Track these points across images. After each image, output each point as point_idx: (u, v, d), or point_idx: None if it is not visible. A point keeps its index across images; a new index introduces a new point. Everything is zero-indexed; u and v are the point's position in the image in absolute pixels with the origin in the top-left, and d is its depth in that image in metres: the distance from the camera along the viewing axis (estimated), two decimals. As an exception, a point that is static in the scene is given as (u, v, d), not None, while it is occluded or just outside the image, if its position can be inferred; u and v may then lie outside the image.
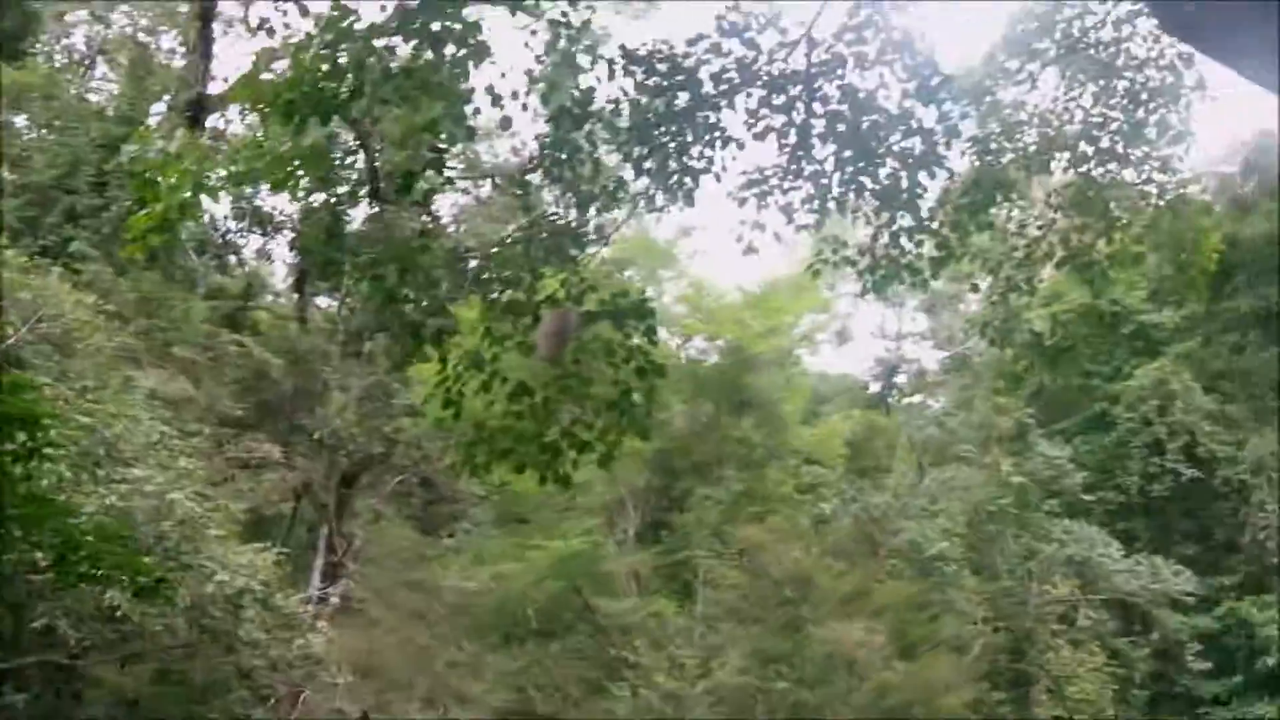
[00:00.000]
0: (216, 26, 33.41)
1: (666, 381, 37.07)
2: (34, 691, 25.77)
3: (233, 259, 44.85)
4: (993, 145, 19.03)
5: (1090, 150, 18.80)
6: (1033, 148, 19.71)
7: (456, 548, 39.15)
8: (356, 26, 11.84)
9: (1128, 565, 36.49)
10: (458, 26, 12.80)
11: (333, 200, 15.60)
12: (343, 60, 11.77)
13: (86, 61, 42.80)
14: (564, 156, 13.66)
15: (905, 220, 14.58)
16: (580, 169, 13.92)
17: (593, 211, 14.30)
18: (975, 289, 22.51)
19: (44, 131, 37.26)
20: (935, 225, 14.69)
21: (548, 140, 13.72)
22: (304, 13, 13.69)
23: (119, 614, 24.11)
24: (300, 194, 12.66)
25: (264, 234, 43.96)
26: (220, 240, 43.83)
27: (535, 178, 14.19)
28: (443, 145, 12.92)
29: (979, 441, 38.25)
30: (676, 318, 39.91)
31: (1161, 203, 19.50)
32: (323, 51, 11.79)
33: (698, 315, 39.61)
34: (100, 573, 11.22)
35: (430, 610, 34.66)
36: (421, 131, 13.35)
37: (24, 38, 39.08)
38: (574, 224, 13.69)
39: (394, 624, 33.54)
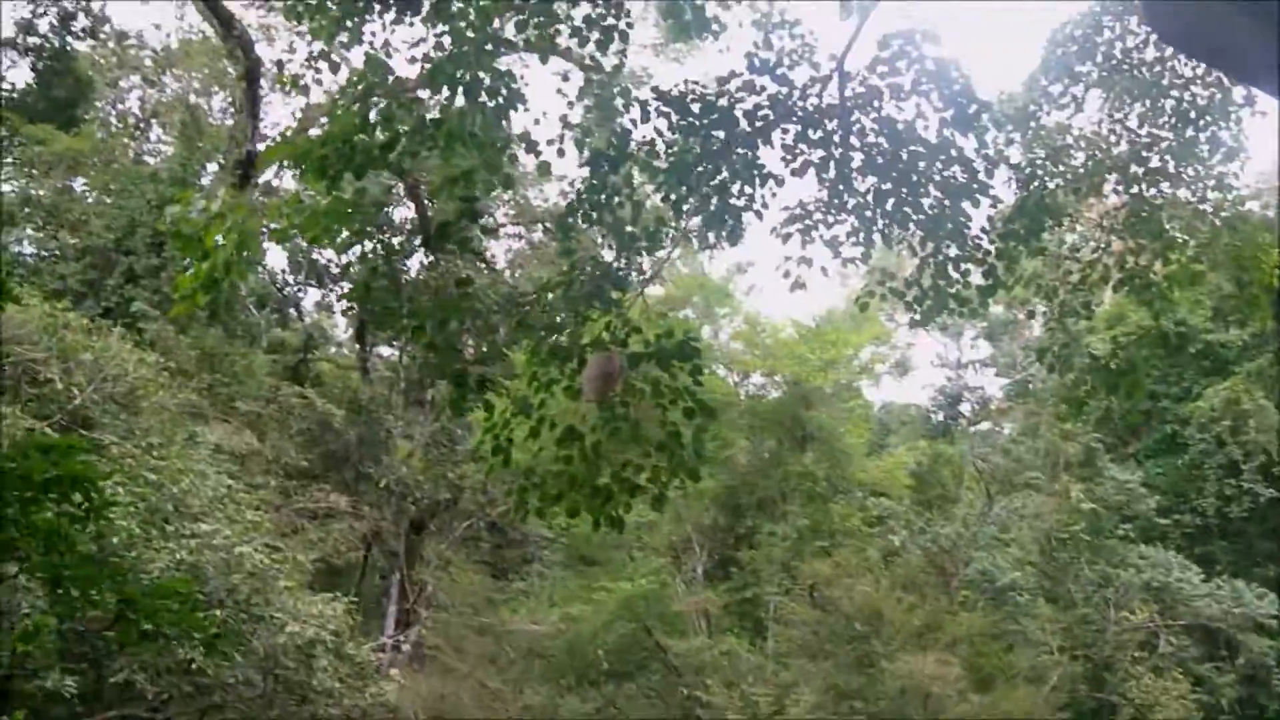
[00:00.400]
0: (265, 84, 33.67)
1: (727, 419, 37.42)
2: None
3: (293, 312, 45.23)
4: (1039, 171, 18.91)
5: (1141, 171, 18.59)
6: (1081, 171, 19.55)
7: (527, 591, 39.20)
8: (389, 79, 11.99)
9: (1208, 589, 35.81)
10: (490, 76, 12.93)
11: (385, 250, 15.71)
12: (374, 114, 11.90)
13: (141, 125, 43.30)
14: (602, 200, 13.71)
15: (951, 250, 14.51)
16: (620, 211, 13.96)
17: (634, 253, 14.33)
18: (1031, 315, 22.36)
19: (101, 195, 37.81)
20: (982, 254, 14.58)
21: (585, 184, 13.80)
22: (335, 69, 13.88)
23: (194, 667, 24.50)
24: (340, 247, 12.75)
25: (322, 286, 44.36)
26: (280, 294, 44.26)
27: (576, 221, 14.24)
28: (475, 195, 13.01)
29: (1047, 468, 37.81)
30: (734, 354, 39.93)
31: (1218, 221, 19.27)
32: (354, 106, 11.94)
33: (754, 351, 39.57)
34: (158, 630, 11.19)
35: (501, 654, 34.75)
36: (457, 182, 13.46)
37: (77, 104, 39.73)
38: (615, 266, 13.70)
39: (466, 670, 33.61)
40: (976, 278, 14.65)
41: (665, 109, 14.09)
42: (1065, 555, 35.41)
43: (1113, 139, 18.84)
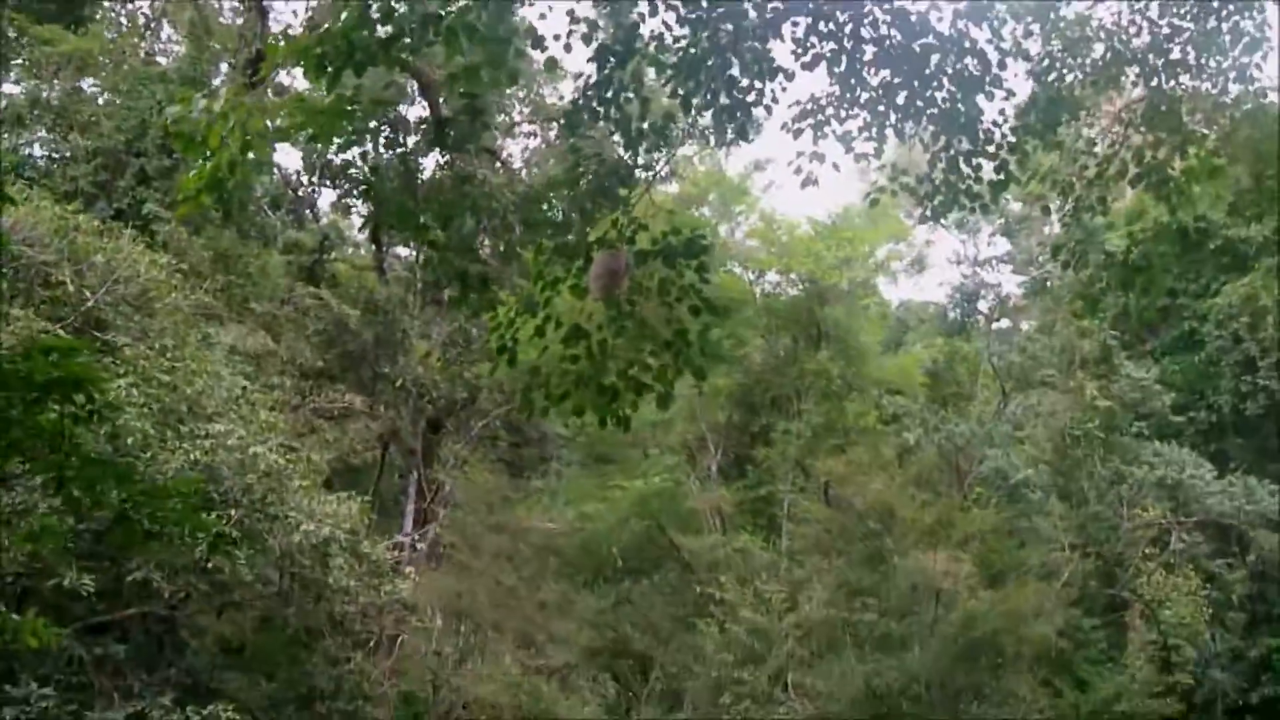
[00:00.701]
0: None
1: (742, 317, 37.25)
2: (136, 641, 26.35)
3: (308, 213, 44.97)
4: (1056, 63, 18.58)
5: (1160, 63, 18.21)
6: (1100, 63, 19.20)
7: (545, 489, 39.21)
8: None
9: (1221, 486, 35.61)
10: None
11: (395, 149, 15.51)
12: (374, 8, 11.65)
13: (150, 24, 42.76)
14: (609, 95, 13.47)
15: (963, 144, 14.29)
16: (627, 107, 13.73)
17: (643, 150, 14.11)
18: (1046, 211, 22.11)
19: (111, 96, 37.47)
20: (994, 148, 14.33)
21: (592, 80, 13.55)
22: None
23: (210, 565, 24.68)
24: (342, 146, 12.52)
25: (337, 186, 44.06)
26: (294, 194, 43.99)
27: (583, 118, 14.00)
28: (477, 93, 12.80)
29: (1062, 366, 37.54)
30: (749, 252, 39.66)
31: (1238, 114, 18.97)
32: (353, 1, 11.68)
33: (770, 249, 39.27)
34: (161, 529, 11.12)
35: (518, 552, 34.84)
36: (460, 78, 13.23)
37: (85, 4, 39.22)
38: (621, 163, 13.50)
39: (482, 567, 33.72)
40: (989, 172, 14.43)
41: (672, 2, 13.82)
42: (1079, 453, 35.27)
43: (1132, 30, 18.46)
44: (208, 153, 12.38)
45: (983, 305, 48.59)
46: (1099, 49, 19.12)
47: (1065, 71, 18.51)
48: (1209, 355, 40.29)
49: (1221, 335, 39.75)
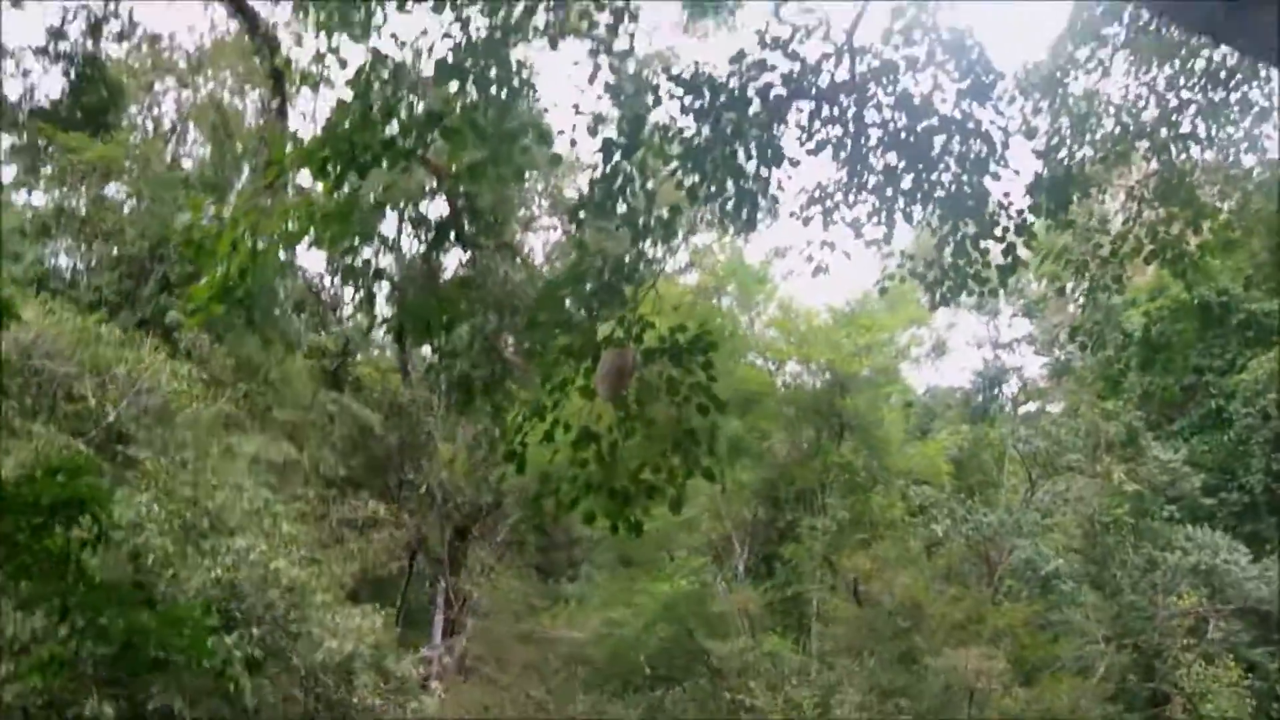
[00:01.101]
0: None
1: (764, 409, 36.87)
2: None
3: (332, 315, 44.92)
4: (1066, 140, 18.49)
5: (1170, 136, 18.12)
6: (1109, 138, 19.10)
7: (573, 595, 38.76)
8: (391, 72, 11.61)
9: (1258, 570, 34.84)
10: (499, 67, 12.57)
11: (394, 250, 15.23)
12: (375, 109, 11.53)
13: (175, 128, 42.96)
14: (615, 188, 13.34)
15: (969, 227, 14.11)
16: (633, 200, 13.58)
17: (649, 243, 13.92)
18: (1061, 292, 21.85)
19: (135, 203, 37.61)
20: (1001, 231, 14.12)
21: (597, 173, 13.42)
22: (343, 65, 13.49)
23: (234, 689, 24.34)
24: (344, 250, 12.28)
25: (360, 288, 43.90)
26: (317, 297, 43.96)
27: (590, 212, 13.84)
28: (476, 191, 12.66)
29: (1089, 449, 37.06)
30: (769, 342, 39.42)
31: (1251, 185, 18.84)
32: (357, 101, 11.57)
33: (790, 338, 38.99)
34: (168, 659, 10.85)
35: (546, 663, 34.42)
36: (466, 176, 13.11)
37: (109, 110, 39.44)
38: (627, 259, 13.29)
39: (511, 680, 33.32)
40: (998, 255, 14.21)
41: (677, 92, 13.73)
42: (1110, 540, 34.73)
43: (1141, 104, 18.38)
44: (217, 261, 12.28)
45: (1007, 389, 48.35)
46: (1108, 124, 19.02)
47: (1075, 148, 18.40)
48: (1238, 434, 39.79)
49: (1250, 412, 39.29)
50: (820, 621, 33.76)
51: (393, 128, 11.38)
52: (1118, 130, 18.90)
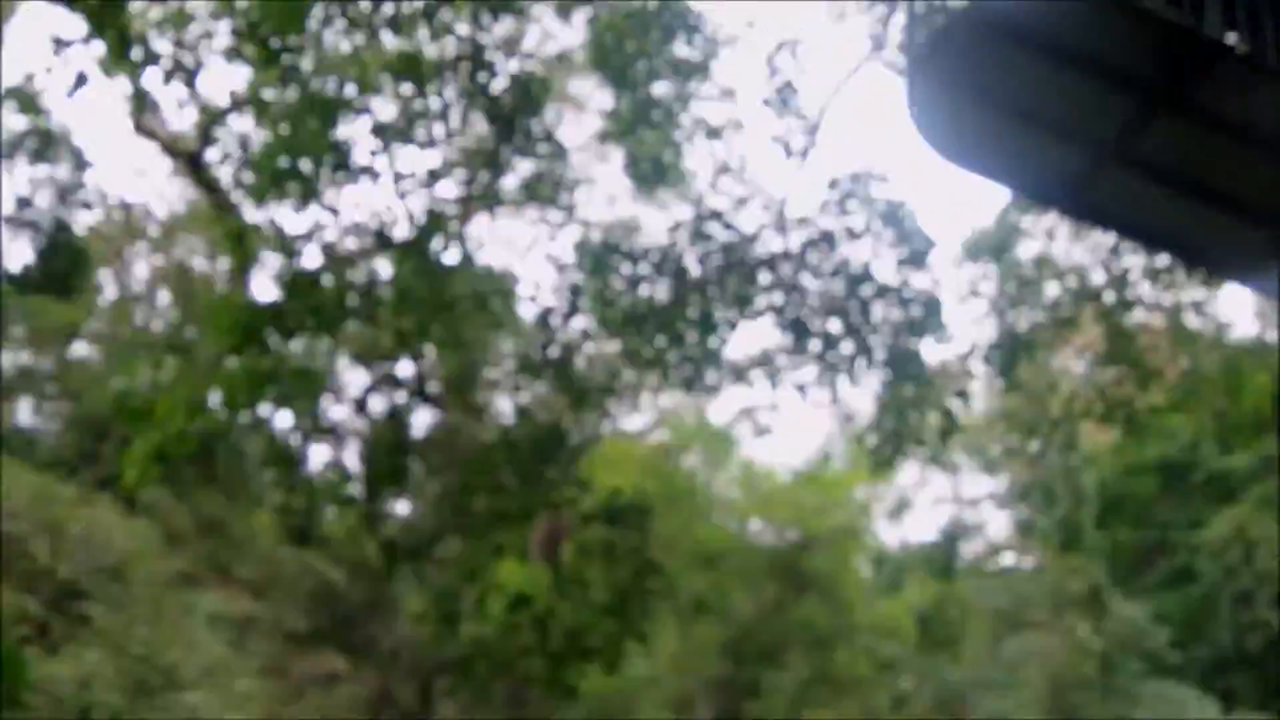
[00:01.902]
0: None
1: (726, 567, 36.70)
2: None
3: (298, 472, 44.66)
4: (1013, 304, 18.66)
5: (1117, 299, 18.31)
6: (1057, 302, 19.30)
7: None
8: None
9: (1229, 726, 34.71)
10: (444, 239, 12.72)
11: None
12: (326, 284, 11.64)
13: (145, 293, 43.19)
14: (552, 354, 13.43)
15: (908, 391, 14.22)
16: (574, 366, 13.66)
17: (589, 408, 13.99)
18: (1011, 453, 21.95)
19: (99, 363, 37.75)
20: (937, 395, 14.24)
21: (539, 339, 13.53)
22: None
23: None
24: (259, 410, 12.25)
25: (331, 444, 43.77)
26: (283, 454, 43.70)
27: (526, 377, 13.92)
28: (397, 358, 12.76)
29: (1052, 605, 36.97)
30: (732, 502, 39.38)
31: (1199, 348, 18.99)
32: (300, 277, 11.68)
33: (752, 497, 39.00)
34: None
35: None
36: (409, 340, 13.19)
37: (75, 275, 39.70)
38: (564, 424, 13.36)
39: None
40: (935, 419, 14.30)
41: (617, 262, 13.85)
42: (1076, 697, 34.44)
43: (1087, 268, 18.56)
44: (155, 425, 12.29)
45: (972, 545, 48.20)
46: (1055, 288, 19.20)
47: (1023, 312, 18.57)
48: (1205, 589, 39.62)
49: (1215, 568, 39.13)
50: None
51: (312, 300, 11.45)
52: (1065, 294, 19.09)
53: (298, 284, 11.41)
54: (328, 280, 11.85)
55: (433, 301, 12.73)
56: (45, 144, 40.70)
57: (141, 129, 35.97)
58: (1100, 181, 5.10)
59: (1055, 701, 34.44)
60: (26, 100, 38.54)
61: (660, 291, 14.24)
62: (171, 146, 36.27)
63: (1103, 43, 4.66)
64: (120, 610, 26.98)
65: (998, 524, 49.18)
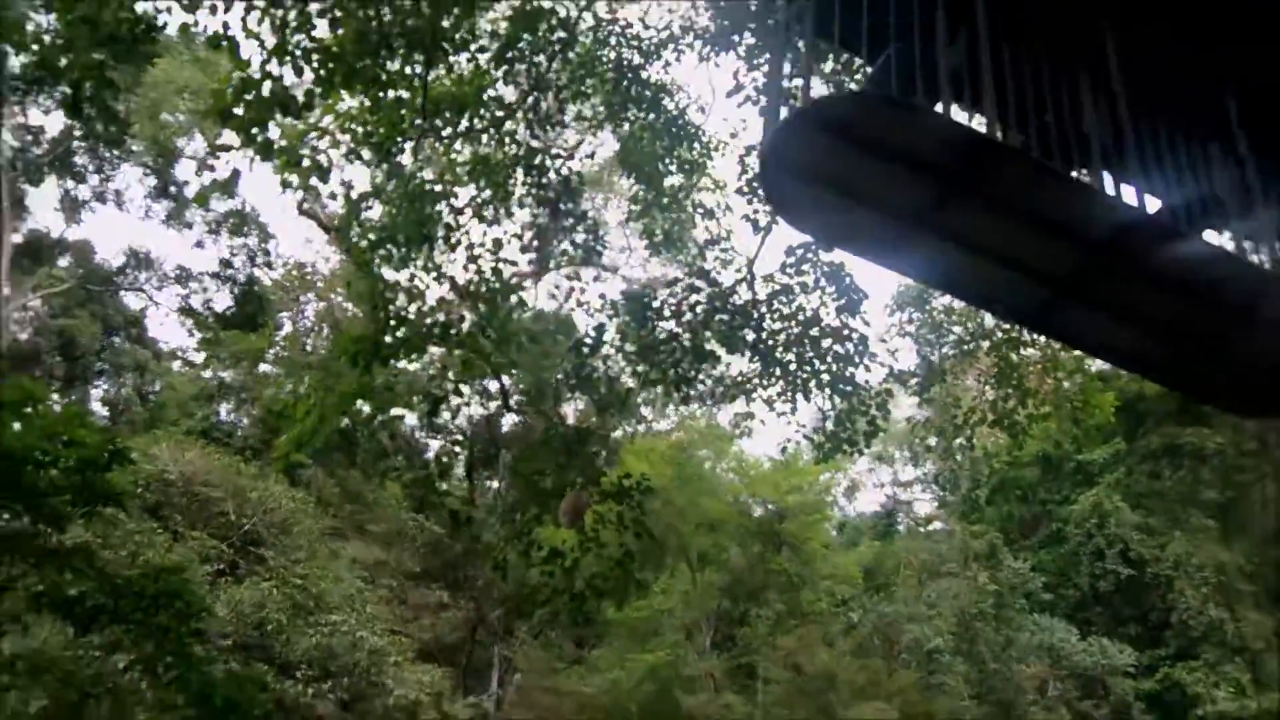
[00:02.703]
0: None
1: (725, 530, 36.30)
2: None
3: (418, 456, 44.60)
4: (929, 340, 18.31)
5: (1004, 337, 17.99)
6: (961, 338, 18.95)
7: (589, 660, 37.77)
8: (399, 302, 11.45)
9: (1084, 646, 34.38)
10: (503, 293, 12.46)
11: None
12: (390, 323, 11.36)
13: (314, 329, 43.33)
14: (583, 377, 13.14)
15: (843, 404, 13.86)
16: (599, 385, 13.39)
17: (609, 415, 13.69)
18: (929, 449, 21.50)
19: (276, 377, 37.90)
20: (864, 407, 13.86)
21: (570, 366, 13.23)
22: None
23: None
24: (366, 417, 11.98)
25: (443, 437, 43.68)
26: (408, 444, 43.63)
27: (563, 393, 13.60)
28: (444, 393, 12.46)
29: (962, 560, 36.55)
30: (730, 483, 39.02)
31: (1062, 374, 18.70)
32: (380, 315, 11.43)
33: (743, 480, 38.72)
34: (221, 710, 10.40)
35: (562, 709, 33.51)
36: (473, 366, 12.88)
37: (259, 315, 39.89)
38: (589, 428, 13.02)
39: (537, 721, 32.61)
40: (862, 425, 13.92)
41: (628, 307, 13.60)
42: (977, 625, 33.97)
43: (982, 315, 18.27)
44: (296, 422, 12.04)
45: (901, 516, 47.72)
46: (959, 329, 18.87)
47: (936, 347, 18.23)
48: (1071, 548, 39.20)
49: (1079, 532, 38.72)
50: (764, 683, 32.87)
51: (403, 332, 11.16)
52: (967, 333, 18.77)
53: (392, 321, 11.09)
54: (414, 318, 11.53)
55: (500, 337, 12.43)
56: (240, 222, 41.00)
57: (302, 211, 36.02)
58: (918, 245, 4.85)
59: (962, 629, 33.91)
60: (226, 189, 38.84)
61: (665, 329, 13.87)
62: (325, 223, 36.48)
63: (913, 140, 4.46)
64: (285, 554, 27.00)
65: (923, 500, 48.73)
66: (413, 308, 11.60)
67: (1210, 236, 5.17)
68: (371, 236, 12.50)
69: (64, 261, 40.32)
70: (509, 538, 12.01)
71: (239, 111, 10.12)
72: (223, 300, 41.90)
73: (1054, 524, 40.73)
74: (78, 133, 35.49)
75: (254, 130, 10.09)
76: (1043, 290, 5.02)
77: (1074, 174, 4.75)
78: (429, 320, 11.83)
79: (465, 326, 12.54)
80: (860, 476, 49.78)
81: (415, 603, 34.71)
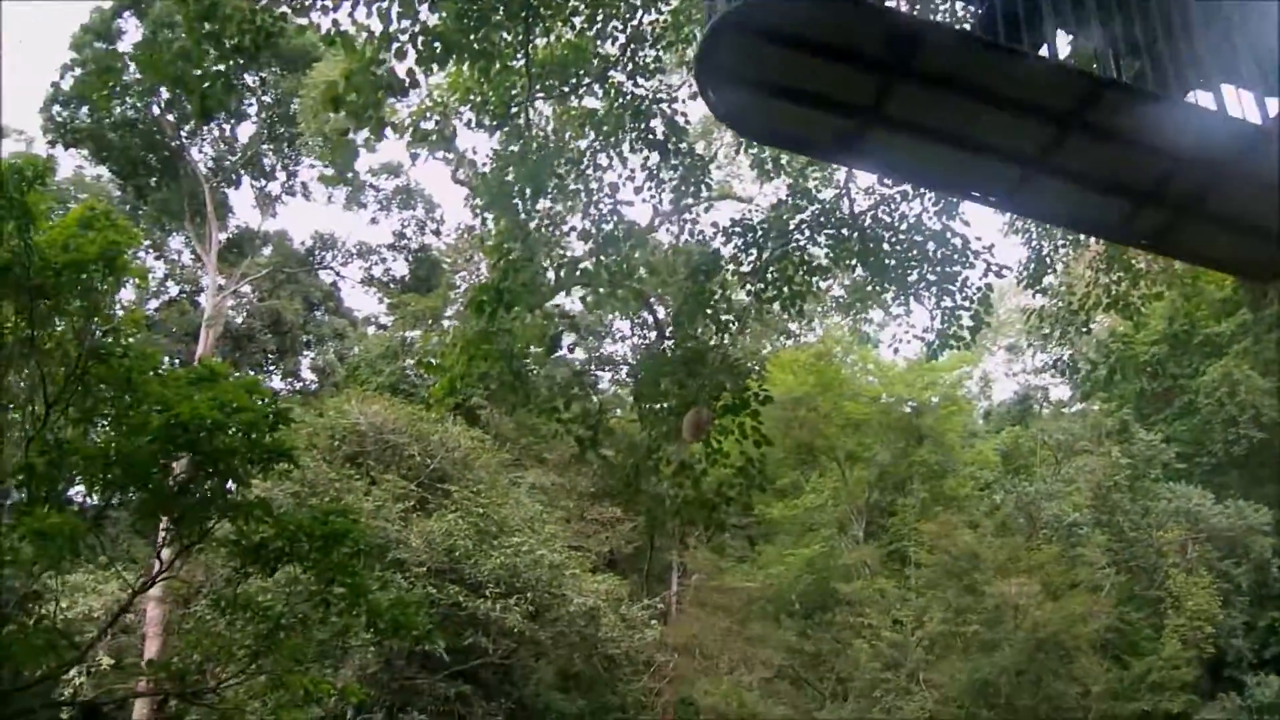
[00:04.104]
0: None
1: (869, 428, 35.62)
2: (481, 681, 26.83)
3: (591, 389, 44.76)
4: (1038, 234, 17.38)
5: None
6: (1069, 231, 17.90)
7: (749, 559, 37.75)
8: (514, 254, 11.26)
9: (1221, 509, 32.66)
10: (624, 233, 12.23)
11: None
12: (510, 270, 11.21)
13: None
14: (703, 300, 12.82)
15: (948, 302, 13.23)
16: (719, 307, 13.05)
17: (728, 334, 13.32)
18: (1046, 338, 20.48)
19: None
20: (969, 303, 13.19)
21: (689, 289, 12.90)
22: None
23: (515, 631, 24.61)
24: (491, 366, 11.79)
25: (609, 369, 43.79)
26: (580, 380, 43.72)
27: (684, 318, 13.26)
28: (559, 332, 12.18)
29: (1094, 437, 35.07)
30: (869, 387, 38.15)
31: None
32: (500, 263, 11.30)
33: (882, 382, 37.81)
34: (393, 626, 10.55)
35: (731, 604, 33.61)
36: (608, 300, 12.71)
37: (432, 278, 40.56)
38: (705, 346, 12.65)
39: (708, 617, 32.75)
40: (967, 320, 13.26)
41: (740, 231, 13.21)
42: (1114, 497, 32.62)
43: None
44: (446, 370, 12.11)
45: (1039, 401, 45.91)
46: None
47: (1046, 240, 17.31)
48: (1203, 417, 37.22)
49: (1210, 402, 36.71)
50: (913, 567, 32.32)
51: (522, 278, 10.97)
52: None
53: (512, 269, 10.93)
54: (534, 264, 11.34)
55: (625, 272, 12.24)
56: (407, 196, 41.61)
57: (455, 179, 36.25)
58: (869, 139, 4.41)
59: (1099, 502, 32.61)
60: (392, 169, 39.51)
61: (775, 249, 13.42)
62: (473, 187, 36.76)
63: (844, 34, 4.02)
64: (468, 487, 27.58)
65: (1055, 385, 46.80)
66: (534, 256, 11.42)
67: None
68: (492, 193, 12.37)
69: (266, 251, 41.77)
70: (643, 455, 11.81)
71: (353, 98, 10.10)
72: (400, 268, 42.79)
73: (1185, 397, 38.73)
74: (263, 137, 36.55)
75: (367, 113, 10.08)
76: (1013, 168, 4.56)
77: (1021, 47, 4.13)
78: (555, 265, 11.66)
79: (589, 266, 12.29)
80: (994, 368, 48.26)
81: (593, 518, 35.07)
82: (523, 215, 12.42)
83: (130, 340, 11.57)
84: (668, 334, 14.14)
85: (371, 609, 9.95)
